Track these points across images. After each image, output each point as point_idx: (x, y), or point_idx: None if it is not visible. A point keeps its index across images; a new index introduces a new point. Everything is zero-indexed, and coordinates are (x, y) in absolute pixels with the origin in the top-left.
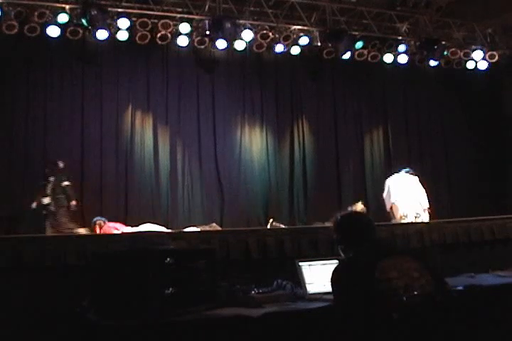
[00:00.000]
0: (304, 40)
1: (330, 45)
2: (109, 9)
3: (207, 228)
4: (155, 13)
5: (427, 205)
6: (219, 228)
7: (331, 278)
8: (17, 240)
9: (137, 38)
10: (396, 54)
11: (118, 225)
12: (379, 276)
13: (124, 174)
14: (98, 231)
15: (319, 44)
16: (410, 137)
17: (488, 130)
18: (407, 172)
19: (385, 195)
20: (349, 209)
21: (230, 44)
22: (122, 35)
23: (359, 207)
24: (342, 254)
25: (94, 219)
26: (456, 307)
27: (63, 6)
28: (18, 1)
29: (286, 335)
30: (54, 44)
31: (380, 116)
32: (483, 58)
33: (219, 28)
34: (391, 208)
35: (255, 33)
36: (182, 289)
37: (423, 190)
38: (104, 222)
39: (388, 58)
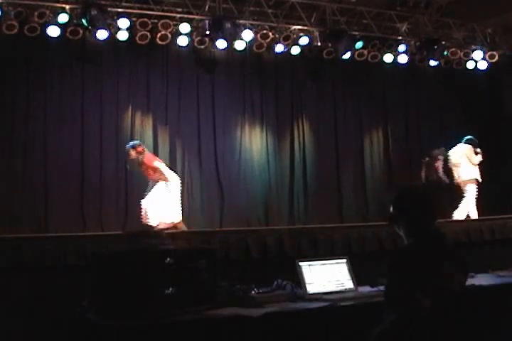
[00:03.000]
0: (304, 40)
1: (330, 45)
2: (109, 9)
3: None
4: (155, 13)
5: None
6: (185, 228)
7: (389, 264)
8: (17, 240)
9: (137, 38)
10: (396, 54)
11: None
12: (433, 279)
13: (123, 174)
14: (135, 156)
15: (319, 44)
16: (410, 137)
17: (488, 130)
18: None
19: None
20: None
21: (230, 44)
22: (122, 35)
23: (441, 152)
24: (398, 231)
25: (133, 143)
26: (456, 307)
27: (63, 6)
28: (18, 1)
29: (286, 335)
30: (54, 44)
31: (380, 116)
32: (483, 58)
33: (219, 28)
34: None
35: (255, 33)
36: (182, 289)
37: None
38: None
39: (388, 58)
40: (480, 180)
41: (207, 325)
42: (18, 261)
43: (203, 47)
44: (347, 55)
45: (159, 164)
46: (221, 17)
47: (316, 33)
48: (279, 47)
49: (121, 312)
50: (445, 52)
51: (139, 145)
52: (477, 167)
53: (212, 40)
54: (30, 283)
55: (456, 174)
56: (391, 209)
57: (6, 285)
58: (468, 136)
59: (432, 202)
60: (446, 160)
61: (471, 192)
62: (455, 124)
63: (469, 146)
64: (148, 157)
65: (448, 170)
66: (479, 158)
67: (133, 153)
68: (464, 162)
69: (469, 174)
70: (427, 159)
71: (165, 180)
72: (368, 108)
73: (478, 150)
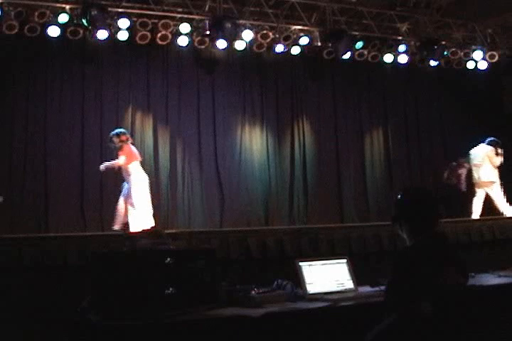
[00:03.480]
0: (304, 40)
1: (330, 45)
2: (110, 9)
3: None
4: (155, 13)
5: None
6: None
7: (390, 265)
8: (17, 240)
9: (137, 38)
10: (396, 54)
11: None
12: (433, 280)
13: None
14: (118, 144)
15: (319, 44)
16: (410, 137)
17: (488, 130)
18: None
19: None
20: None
21: (230, 44)
22: (122, 35)
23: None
24: (401, 232)
25: (119, 131)
26: (456, 308)
27: (63, 6)
28: (18, 1)
29: (286, 335)
30: (54, 44)
31: (380, 116)
32: (483, 58)
33: (219, 28)
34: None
35: (255, 33)
36: (182, 289)
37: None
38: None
39: (388, 58)
40: (496, 181)
41: (207, 325)
42: (18, 261)
43: (203, 47)
44: (347, 55)
45: (123, 159)
46: (221, 17)
47: (316, 33)
48: (279, 47)
49: (121, 313)
50: (445, 53)
51: (124, 133)
52: (496, 169)
53: (213, 40)
54: (30, 283)
55: (476, 174)
56: (400, 207)
57: (6, 285)
58: (491, 138)
59: (436, 204)
60: (470, 170)
61: (497, 192)
62: (455, 124)
63: (491, 147)
64: (127, 148)
65: (469, 178)
66: (500, 159)
67: (116, 140)
68: (486, 163)
69: (489, 176)
70: (453, 163)
71: (127, 175)
72: (368, 108)
73: (500, 151)
